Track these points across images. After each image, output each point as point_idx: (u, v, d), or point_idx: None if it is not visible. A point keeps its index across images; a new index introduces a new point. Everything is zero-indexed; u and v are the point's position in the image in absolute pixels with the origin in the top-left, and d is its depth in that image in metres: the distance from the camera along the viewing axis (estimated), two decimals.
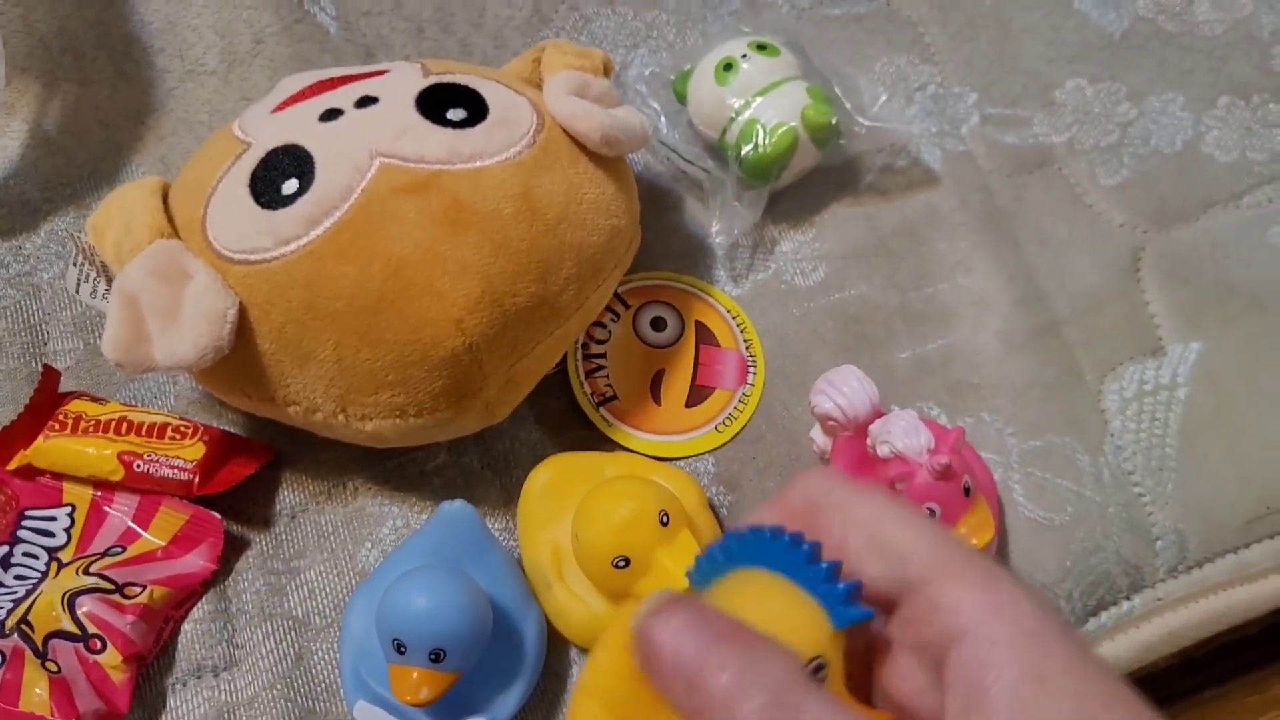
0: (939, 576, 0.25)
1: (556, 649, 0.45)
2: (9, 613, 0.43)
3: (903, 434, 0.43)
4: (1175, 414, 0.51)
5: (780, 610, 0.25)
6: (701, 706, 0.23)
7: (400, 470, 0.49)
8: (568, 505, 0.45)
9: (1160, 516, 0.49)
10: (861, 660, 0.27)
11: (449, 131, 0.43)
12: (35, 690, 0.41)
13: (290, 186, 0.42)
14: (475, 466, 0.49)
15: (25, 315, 0.51)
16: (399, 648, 0.40)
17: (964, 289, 0.54)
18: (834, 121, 0.52)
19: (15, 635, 0.42)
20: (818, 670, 0.25)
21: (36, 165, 0.54)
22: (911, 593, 0.25)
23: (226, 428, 0.49)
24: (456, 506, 0.44)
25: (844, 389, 0.46)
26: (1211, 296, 0.53)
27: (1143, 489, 0.49)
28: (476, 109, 0.44)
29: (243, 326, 0.42)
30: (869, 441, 0.45)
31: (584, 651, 0.45)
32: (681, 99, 0.56)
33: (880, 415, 0.46)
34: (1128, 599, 0.48)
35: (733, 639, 0.24)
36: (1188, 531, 0.49)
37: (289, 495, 0.48)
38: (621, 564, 0.41)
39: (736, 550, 0.27)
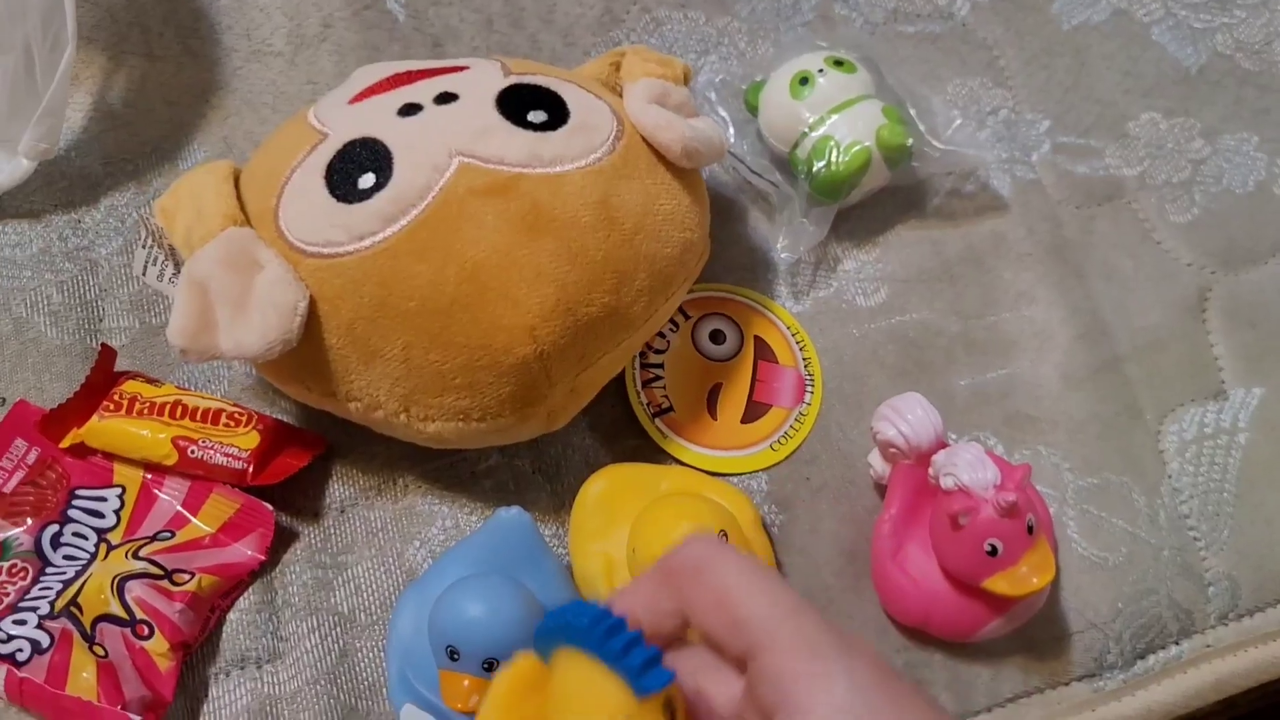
0: (773, 645, 0.27)
1: None
2: (58, 594, 0.43)
3: (969, 467, 0.43)
4: (1234, 459, 0.50)
5: (585, 686, 0.27)
6: None
7: (452, 469, 0.48)
8: (621, 518, 0.45)
9: (1214, 562, 0.48)
10: None
11: (529, 134, 0.43)
12: (83, 674, 0.41)
13: (367, 181, 0.41)
14: (527, 470, 0.49)
15: (81, 290, 0.51)
16: (452, 654, 0.39)
17: (1026, 319, 0.53)
18: (908, 143, 0.51)
19: (64, 617, 0.42)
20: None
21: (99, 138, 0.54)
22: (751, 658, 0.27)
23: (280, 416, 0.48)
24: (513, 514, 0.43)
25: (908, 416, 0.45)
26: (1277, 342, 0.53)
27: (1198, 533, 0.49)
28: (557, 112, 0.44)
29: (311, 320, 0.41)
30: (931, 472, 0.44)
31: None
32: (753, 110, 0.55)
33: (944, 446, 0.45)
34: (1176, 644, 0.47)
35: None
36: (1240, 579, 0.48)
37: (339, 488, 0.48)
38: None
39: (559, 625, 0.28)
